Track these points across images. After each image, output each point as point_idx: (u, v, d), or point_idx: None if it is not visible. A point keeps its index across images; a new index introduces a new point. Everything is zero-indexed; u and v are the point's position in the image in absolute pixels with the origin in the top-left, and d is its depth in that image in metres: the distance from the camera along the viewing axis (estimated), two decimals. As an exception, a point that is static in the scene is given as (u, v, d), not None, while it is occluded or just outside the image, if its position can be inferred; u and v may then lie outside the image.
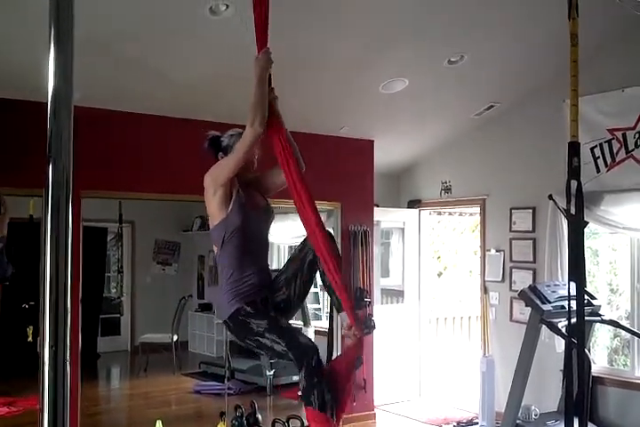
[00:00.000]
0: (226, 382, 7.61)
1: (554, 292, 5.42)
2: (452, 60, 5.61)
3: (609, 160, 5.85)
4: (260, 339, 2.81)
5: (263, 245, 3.03)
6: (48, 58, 1.47)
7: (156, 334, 9.62)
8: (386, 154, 7.52)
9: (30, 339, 5.84)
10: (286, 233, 9.32)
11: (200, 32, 4.61)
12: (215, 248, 2.98)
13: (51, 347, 1.29)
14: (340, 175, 7.11)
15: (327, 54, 5.24)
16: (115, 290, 11.10)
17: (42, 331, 1.33)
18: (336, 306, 3.02)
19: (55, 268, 1.34)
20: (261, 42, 2.79)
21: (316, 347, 2.79)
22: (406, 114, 6.69)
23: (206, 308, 10.70)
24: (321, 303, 9.75)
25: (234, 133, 2.97)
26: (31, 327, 5.90)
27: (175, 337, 9.48)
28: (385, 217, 8.08)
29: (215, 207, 2.90)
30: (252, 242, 2.91)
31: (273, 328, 2.80)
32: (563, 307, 5.14)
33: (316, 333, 8.24)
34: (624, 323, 5.90)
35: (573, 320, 2.96)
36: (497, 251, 7.11)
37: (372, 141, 7.37)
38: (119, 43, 4.64)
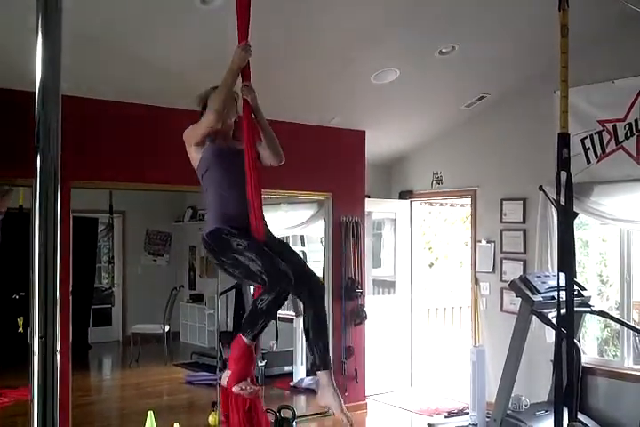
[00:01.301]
0: (218, 372, 7.61)
1: (544, 282, 5.43)
2: (444, 50, 5.61)
3: (599, 151, 5.87)
4: (238, 256, 2.84)
5: (242, 185, 2.98)
6: (35, 47, 1.46)
7: (148, 325, 9.62)
8: (377, 145, 7.52)
9: (21, 330, 5.84)
10: (277, 225, 9.31)
11: (190, 21, 4.59)
12: None
13: (40, 338, 1.29)
14: (332, 166, 7.11)
15: (318, 44, 5.22)
16: (106, 281, 11.09)
17: (31, 322, 1.33)
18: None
19: (44, 258, 1.33)
20: (242, 33, 2.81)
21: (290, 278, 2.76)
22: (398, 104, 6.68)
23: (198, 299, 10.71)
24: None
25: (213, 87, 3.02)
26: (22, 318, 5.89)
27: (167, 328, 9.48)
28: (376, 208, 8.09)
29: (193, 154, 3.07)
30: (229, 179, 2.99)
31: (253, 247, 2.84)
32: (553, 297, 5.16)
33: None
34: (614, 314, 5.94)
35: (563, 311, 2.98)
36: (488, 242, 7.13)
37: (364, 132, 7.37)
38: (108, 31, 4.61)
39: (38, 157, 1.39)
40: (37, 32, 1.45)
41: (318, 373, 2.94)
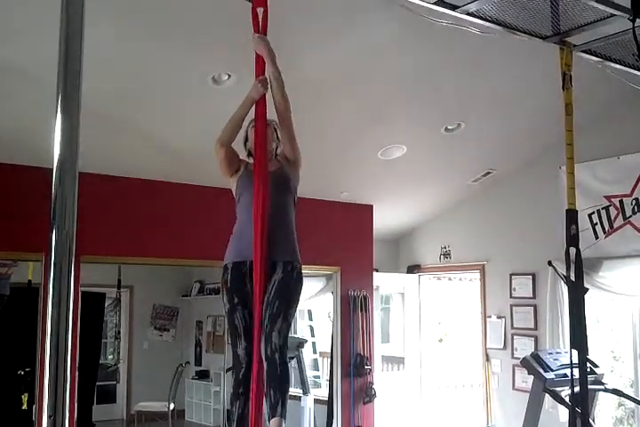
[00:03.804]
0: (222, 452, 7.42)
1: (556, 360, 5.35)
2: (450, 127, 5.71)
3: (607, 227, 5.88)
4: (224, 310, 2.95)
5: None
6: (54, 125, 1.49)
7: (153, 403, 9.44)
8: (385, 219, 7.55)
9: (25, 407, 5.71)
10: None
11: (202, 101, 4.70)
12: None
13: (49, 416, 1.27)
14: (340, 240, 7.12)
15: (327, 121, 5.33)
16: (111, 356, 10.94)
17: (39, 399, 1.32)
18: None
19: (56, 336, 1.32)
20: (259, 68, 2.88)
21: (242, 365, 2.84)
22: (405, 180, 6.75)
23: (203, 375, 10.53)
24: (320, 370, 9.61)
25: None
26: (26, 395, 5.76)
27: (172, 405, 9.29)
28: (385, 282, 8.05)
29: (230, 185, 3.11)
30: (247, 212, 2.90)
31: (230, 315, 2.90)
32: (565, 375, 5.07)
33: (316, 401, 8.08)
34: (628, 391, 5.81)
35: (576, 389, 2.92)
36: (498, 317, 7.06)
37: (372, 206, 7.42)
38: (121, 109, 4.72)
39: (54, 233, 1.40)
40: (56, 112, 1.49)
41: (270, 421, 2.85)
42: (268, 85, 2.86)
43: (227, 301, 2.91)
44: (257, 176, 2.81)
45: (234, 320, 2.86)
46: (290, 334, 9.02)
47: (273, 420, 2.76)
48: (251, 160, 3.06)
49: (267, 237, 2.77)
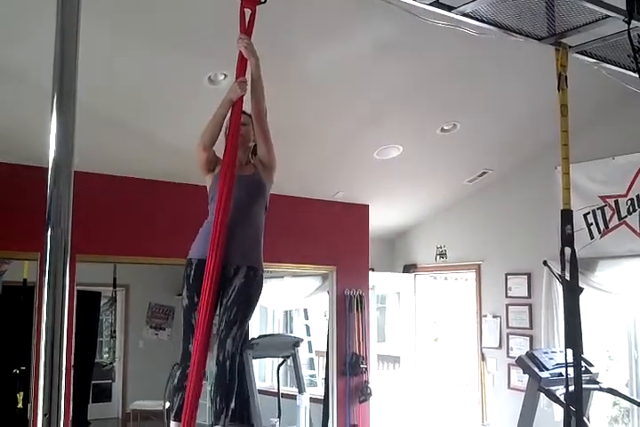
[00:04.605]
0: (218, 450, 7.41)
1: (551, 359, 5.36)
2: (445, 128, 5.72)
3: (602, 227, 5.89)
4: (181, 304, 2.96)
5: (234, 214, 2.89)
6: (50, 124, 1.49)
7: (148, 401, 9.42)
8: (381, 218, 7.56)
9: (20, 405, 5.70)
10: (281, 297, 9.25)
11: (198, 101, 4.68)
12: None
13: (44, 415, 1.27)
14: (336, 239, 7.13)
15: (324, 123, 5.34)
16: (107, 355, 10.92)
17: (34, 398, 1.32)
18: None
19: (51, 334, 1.32)
20: (240, 70, 2.86)
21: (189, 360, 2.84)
22: (401, 180, 6.76)
23: (199, 374, 10.49)
24: (316, 369, 9.61)
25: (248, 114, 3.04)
26: (22, 393, 5.75)
27: (167, 404, 9.28)
28: (380, 281, 8.06)
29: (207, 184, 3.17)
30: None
31: (186, 312, 2.92)
32: (560, 374, 5.08)
33: (312, 400, 8.08)
34: (623, 391, 5.82)
35: (571, 388, 2.93)
36: (493, 317, 7.07)
37: (367, 206, 7.43)
38: (118, 108, 4.72)
39: (49, 233, 1.40)
40: (52, 111, 1.49)
41: None
42: (247, 87, 2.85)
43: (186, 296, 2.92)
44: (222, 179, 2.81)
45: (190, 318, 2.87)
46: (286, 333, 9.03)
47: None
48: None
49: (225, 240, 2.76)
